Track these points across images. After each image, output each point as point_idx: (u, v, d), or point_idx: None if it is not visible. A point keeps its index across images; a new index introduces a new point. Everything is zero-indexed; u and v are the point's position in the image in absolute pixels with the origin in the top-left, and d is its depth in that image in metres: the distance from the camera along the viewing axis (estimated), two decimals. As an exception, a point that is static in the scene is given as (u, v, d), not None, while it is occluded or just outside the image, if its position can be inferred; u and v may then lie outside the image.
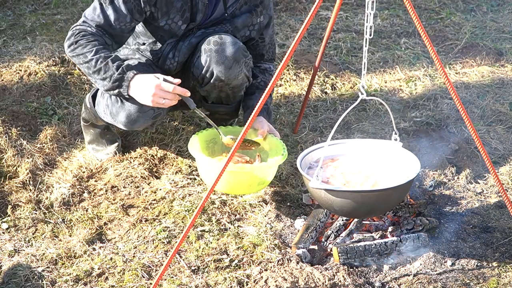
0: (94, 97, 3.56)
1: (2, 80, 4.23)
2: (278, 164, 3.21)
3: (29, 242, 3.18)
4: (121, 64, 3.13)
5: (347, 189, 2.90)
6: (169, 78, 3.11)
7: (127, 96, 3.16)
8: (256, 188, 3.24)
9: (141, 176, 3.55)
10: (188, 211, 3.31)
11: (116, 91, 3.14)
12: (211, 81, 3.35)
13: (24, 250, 3.12)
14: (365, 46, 2.74)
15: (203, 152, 3.25)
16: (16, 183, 3.49)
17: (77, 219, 3.30)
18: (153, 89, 3.07)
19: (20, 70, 4.28)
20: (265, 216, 3.30)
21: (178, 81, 3.12)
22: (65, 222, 3.30)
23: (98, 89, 3.50)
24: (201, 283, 2.91)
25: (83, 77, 4.26)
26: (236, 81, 3.37)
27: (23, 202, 3.39)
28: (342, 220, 3.17)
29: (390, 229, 3.14)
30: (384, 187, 2.92)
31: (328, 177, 3.02)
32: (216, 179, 2.69)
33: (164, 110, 3.32)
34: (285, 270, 2.94)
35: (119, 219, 3.31)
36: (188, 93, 3.12)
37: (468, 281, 2.95)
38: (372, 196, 2.87)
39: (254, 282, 2.91)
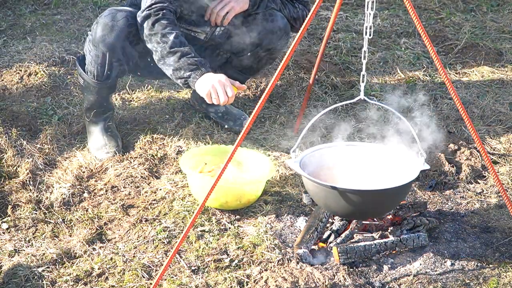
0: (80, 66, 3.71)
1: (2, 80, 4.22)
2: (266, 179, 3.35)
3: (29, 242, 3.18)
4: (199, 58, 3.37)
5: (315, 180, 2.91)
6: (232, 81, 3.36)
7: (191, 82, 3.35)
8: (244, 203, 3.32)
9: (141, 176, 3.55)
10: (188, 211, 3.31)
11: (188, 73, 3.34)
12: (255, 49, 3.67)
13: (24, 250, 3.12)
14: (365, 46, 2.74)
15: (194, 169, 3.38)
16: (16, 183, 3.49)
17: (77, 219, 3.30)
18: (215, 82, 3.30)
19: (20, 70, 4.27)
20: (265, 216, 3.30)
21: (243, 86, 3.40)
22: (65, 222, 3.30)
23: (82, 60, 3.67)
24: (201, 283, 2.91)
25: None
26: (279, 52, 3.77)
27: (23, 202, 3.38)
28: (342, 220, 3.17)
29: (390, 229, 3.14)
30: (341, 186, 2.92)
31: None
32: (212, 185, 2.70)
33: (135, 28, 3.46)
34: (285, 270, 2.94)
35: (119, 219, 3.30)
36: (244, 87, 3.42)
37: (468, 281, 2.95)
38: (332, 193, 2.88)
39: (254, 282, 2.91)
